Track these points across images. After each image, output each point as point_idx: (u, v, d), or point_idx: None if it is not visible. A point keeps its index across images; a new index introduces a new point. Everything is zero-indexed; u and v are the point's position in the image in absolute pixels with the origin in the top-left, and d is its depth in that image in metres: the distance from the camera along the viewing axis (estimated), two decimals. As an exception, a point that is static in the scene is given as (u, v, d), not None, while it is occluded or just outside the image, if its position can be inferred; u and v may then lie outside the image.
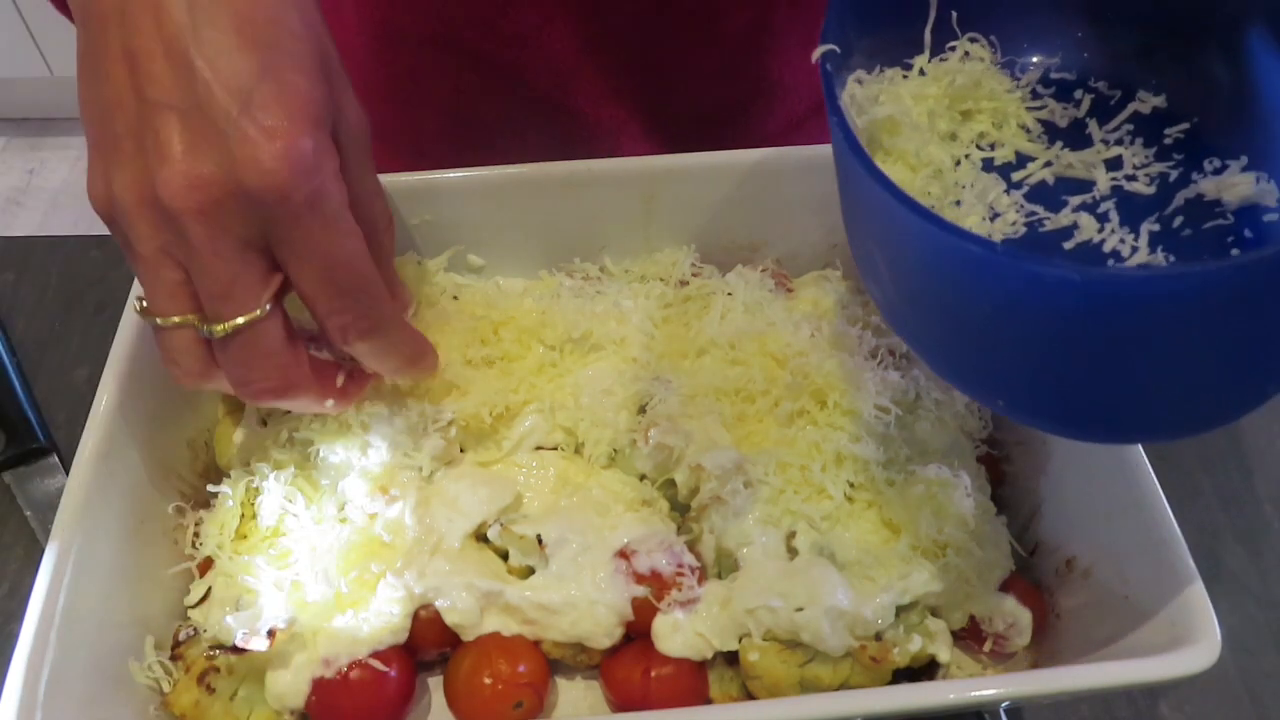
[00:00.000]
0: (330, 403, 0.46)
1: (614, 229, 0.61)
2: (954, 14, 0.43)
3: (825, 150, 0.60)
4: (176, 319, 0.40)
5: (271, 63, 0.37)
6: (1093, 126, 0.42)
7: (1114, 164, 0.41)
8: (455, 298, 0.58)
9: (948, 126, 0.43)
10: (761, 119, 0.70)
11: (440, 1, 0.63)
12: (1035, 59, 0.45)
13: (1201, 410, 0.37)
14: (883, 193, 0.35)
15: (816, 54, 0.41)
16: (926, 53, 0.44)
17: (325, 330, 0.41)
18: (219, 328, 0.39)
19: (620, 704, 0.48)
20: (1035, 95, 0.44)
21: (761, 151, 0.59)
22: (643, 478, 0.52)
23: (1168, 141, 0.42)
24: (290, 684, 0.46)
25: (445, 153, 0.60)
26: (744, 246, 0.62)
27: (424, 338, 0.49)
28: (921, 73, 0.44)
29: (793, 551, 0.49)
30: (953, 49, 0.44)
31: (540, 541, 0.49)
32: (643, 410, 0.53)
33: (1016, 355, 0.36)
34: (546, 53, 0.65)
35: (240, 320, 0.39)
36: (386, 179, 0.60)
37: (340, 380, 0.46)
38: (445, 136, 0.70)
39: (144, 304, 0.41)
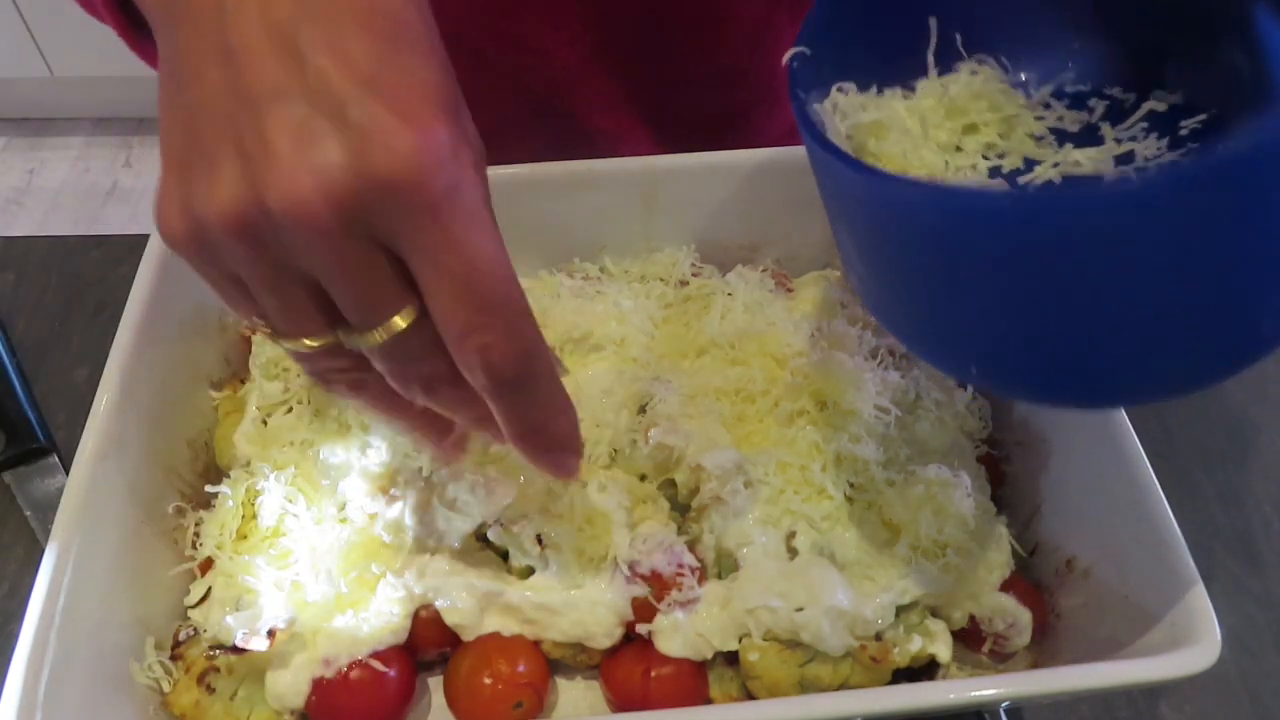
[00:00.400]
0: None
1: (614, 229, 0.61)
2: (958, 36, 0.43)
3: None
4: (319, 341, 0.35)
5: (394, 51, 0.32)
6: (1105, 128, 0.41)
7: (1125, 159, 0.40)
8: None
9: (948, 138, 0.43)
10: (762, 124, 0.70)
11: (443, 3, 0.63)
12: (1046, 74, 0.44)
13: (1186, 357, 0.33)
14: (823, 154, 0.35)
15: (787, 56, 0.40)
16: (932, 73, 0.43)
17: (460, 356, 0.34)
18: (378, 337, 0.34)
19: (620, 704, 0.48)
20: (1047, 107, 0.43)
21: (761, 151, 0.59)
22: (643, 478, 0.52)
23: (1184, 133, 0.40)
24: (290, 684, 0.46)
25: None
26: (744, 246, 0.62)
27: (575, 415, 0.39)
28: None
29: (793, 551, 0.49)
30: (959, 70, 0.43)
31: (540, 541, 0.49)
32: (643, 410, 0.53)
33: (974, 309, 0.35)
34: (550, 58, 0.65)
35: (400, 323, 0.33)
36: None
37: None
38: None
39: (266, 328, 0.35)
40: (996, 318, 0.34)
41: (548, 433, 0.38)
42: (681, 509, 0.52)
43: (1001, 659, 0.51)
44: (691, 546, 0.49)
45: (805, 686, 0.46)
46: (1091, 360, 0.34)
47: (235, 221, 0.31)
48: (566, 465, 0.40)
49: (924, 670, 0.49)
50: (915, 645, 0.47)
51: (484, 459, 0.50)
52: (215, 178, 0.31)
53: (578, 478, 0.44)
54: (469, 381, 0.35)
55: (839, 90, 0.42)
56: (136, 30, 0.52)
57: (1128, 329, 0.32)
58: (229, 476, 0.52)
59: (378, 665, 0.46)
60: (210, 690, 0.46)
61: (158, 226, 0.33)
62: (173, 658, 0.47)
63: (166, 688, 0.46)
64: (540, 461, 0.40)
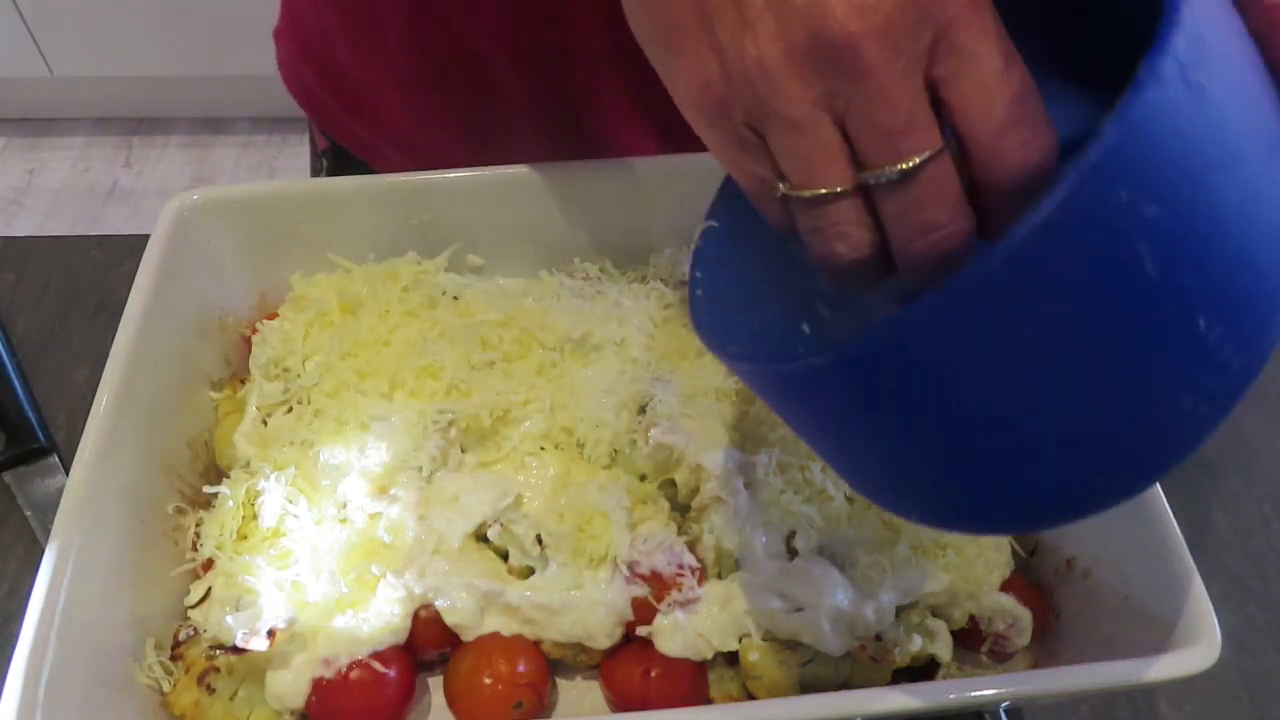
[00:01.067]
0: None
1: (614, 229, 0.61)
2: None
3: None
4: (842, 187, 0.34)
5: None
6: None
7: None
8: (455, 298, 0.58)
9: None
10: None
11: (459, 21, 0.63)
12: None
13: (1071, 465, 0.32)
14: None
15: (697, 233, 0.42)
16: None
17: (998, 155, 0.33)
18: (903, 165, 0.33)
19: (620, 704, 0.48)
20: None
21: (761, 151, 0.59)
22: (643, 478, 0.52)
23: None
24: (290, 684, 0.46)
25: (461, 161, 0.60)
26: (744, 246, 0.62)
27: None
28: None
29: (793, 551, 0.49)
30: None
31: (540, 542, 0.49)
32: (643, 410, 0.53)
33: (877, 454, 0.35)
34: (563, 67, 0.65)
35: (927, 153, 0.33)
36: (387, 179, 0.60)
37: None
38: (462, 145, 0.70)
39: (786, 186, 0.35)
40: (888, 461, 0.34)
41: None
42: (681, 509, 0.52)
43: (1001, 659, 0.51)
44: (691, 546, 0.49)
45: (805, 686, 0.46)
46: (1007, 483, 0.33)
47: (785, 57, 0.32)
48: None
49: (924, 670, 0.49)
50: (915, 645, 0.47)
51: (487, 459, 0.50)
52: (754, 21, 0.32)
53: None
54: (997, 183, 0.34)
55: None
56: None
57: (998, 450, 0.32)
58: (229, 476, 0.52)
59: (378, 665, 0.46)
60: (210, 690, 0.46)
61: (687, 102, 0.36)
62: (173, 658, 0.47)
63: (166, 688, 0.46)
64: None
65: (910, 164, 0.33)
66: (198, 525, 0.51)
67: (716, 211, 0.43)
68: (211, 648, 0.46)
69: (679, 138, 0.69)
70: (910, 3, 0.31)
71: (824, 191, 0.34)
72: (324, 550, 0.48)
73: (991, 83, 0.32)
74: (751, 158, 0.36)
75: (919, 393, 0.31)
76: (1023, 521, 0.39)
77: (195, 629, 0.47)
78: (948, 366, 0.30)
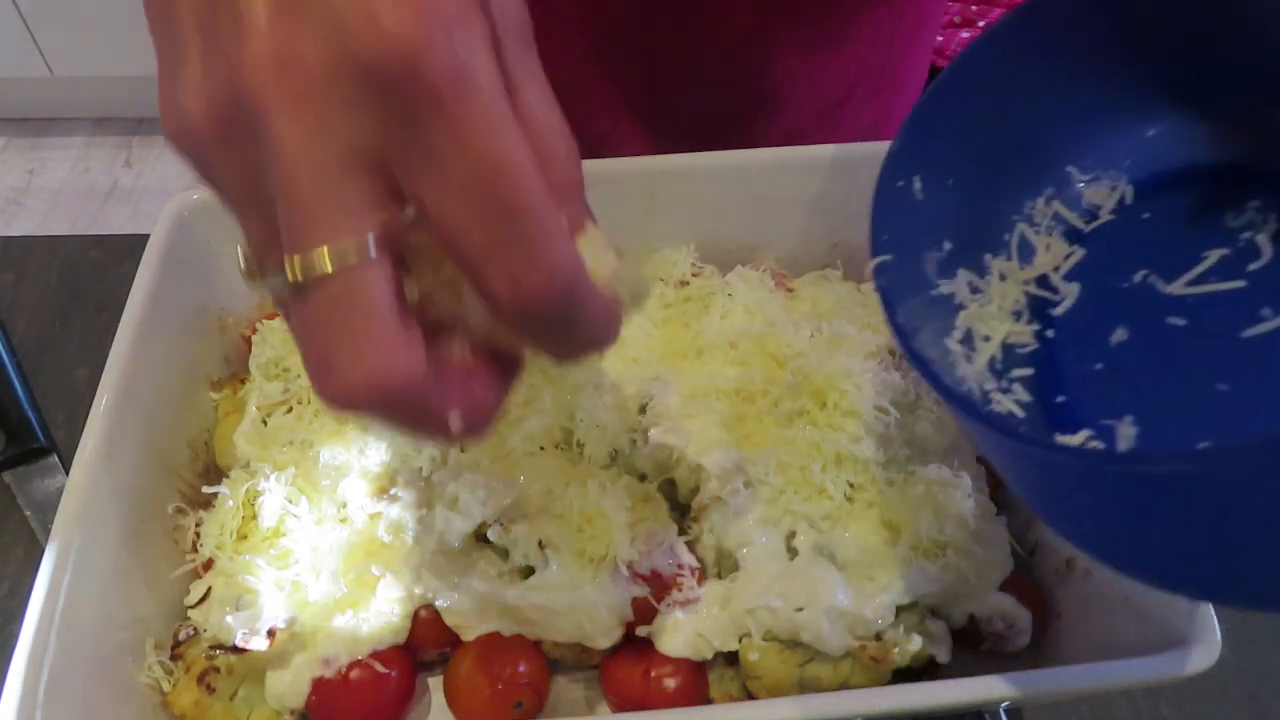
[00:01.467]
0: (456, 419, 0.29)
1: (614, 229, 0.61)
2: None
3: (825, 150, 0.60)
4: (258, 276, 0.28)
5: None
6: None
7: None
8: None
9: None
10: (760, 128, 0.70)
11: None
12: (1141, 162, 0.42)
13: None
14: (982, 426, 0.33)
15: (870, 267, 0.39)
16: (1011, 254, 0.42)
17: (479, 283, 0.27)
18: (294, 265, 0.26)
19: (620, 704, 0.48)
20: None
21: (761, 151, 0.59)
22: (643, 478, 0.52)
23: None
24: (290, 684, 0.46)
25: None
26: (744, 246, 0.62)
27: (615, 303, 0.32)
28: (1002, 277, 0.42)
29: (793, 551, 0.49)
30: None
31: (540, 542, 0.49)
32: (643, 410, 0.53)
33: (1175, 546, 0.33)
34: (546, 62, 0.65)
35: (320, 262, 0.25)
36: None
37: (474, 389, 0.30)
38: None
39: (245, 262, 0.29)
40: (1200, 550, 0.32)
41: (594, 347, 0.31)
42: (681, 509, 0.52)
43: (1001, 659, 0.51)
44: (691, 546, 0.49)
45: (805, 686, 0.46)
46: None
47: (209, 112, 0.26)
48: (611, 340, 0.32)
49: (924, 670, 0.49)
50: (915, 645, 0.47)
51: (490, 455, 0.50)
52: (193, 66, 0.27)
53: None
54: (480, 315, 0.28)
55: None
56: None
57: None
58: (229, 476, 0.52)
59: (378, 665, 0.46)
60: (210, 690, 0.46)
61: (164, 131, 0.28)
62: (173, 658, 0.47)
63: (166, 688, 0.46)
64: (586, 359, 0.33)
65: (302, 265, 0.26)
66: (198, 525, 0.51)
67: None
68: (211, 648, 0.46)
69: (667, 136, 0.70)
70: (349, 68, 0.24)
71: (255, 281, 0.28)
72: (324, 550, 0.48)
73: (466, 194, 0.25)
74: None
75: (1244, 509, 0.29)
76: None
77: (195, 629, 0.47)
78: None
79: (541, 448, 0.53)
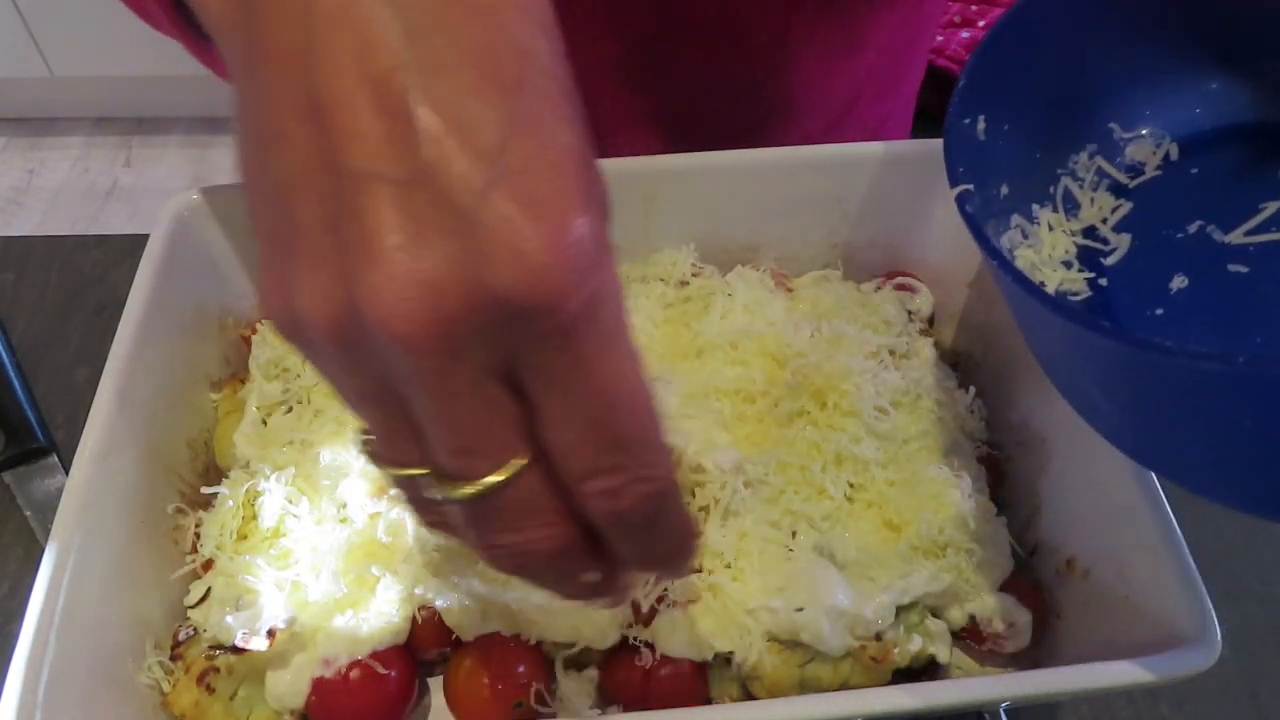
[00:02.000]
0: (603, 600, 0.33)
1: (614, 229, 0.61)
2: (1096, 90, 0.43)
3: (825, 150, 0.60)
4: (410, 471, 0.29)
5: (526, 109, 0.25)
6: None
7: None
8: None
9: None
10: (775, 138, 0.70)
11: None
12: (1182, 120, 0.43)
13: None
14: (1074, 326, 0.33)
15: (953, 195, 0.40)
16: (1057, 206, 0.43)
17: (580, 495, 0.28)
18: (466, 491, 0.28)
19: (620, 704, 0.48)
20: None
21: (761, 151, 0.59)
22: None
23: None
24: (290, 684, 0.46)
25: None
26: (744, 246, 0.62)
27: (693, 517, 0.34)
28: (1050, 228, 0.43)
29: (792, 552, 0.49)
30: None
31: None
32: (643, 410, 0.53)
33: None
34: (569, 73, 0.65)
35: (494, 480, 0.27)
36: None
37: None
38: None
39: (367, 444, 0.30)
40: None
41: (673, 560, 0.33)
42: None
43: (1001, 659, 0.51)
44: (691, 546, 0.49)
45: (805, 686, 0.46)
46: None
47: (329, 326, 0.25)
48: (683, 574, 0.36)
49: (924, 670, 0.49)
50: (915, 645, 0.47)
51: None
52: (312, 269, 0.25)
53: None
54: (586, 520, 0.29)
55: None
56: (202, 39, 0.47)
57: None
58: (229, 477, 0.52)
59: (378, 665, 0.46)
60: (210, 690, 0.46)
61: (265, 311, 0.27)
62: (173, 658, 0.47)
63: (166, 688, 0.46)
64: (664, 571, 0.36)
65: (475, 489, 0.27)
66: (198, 525, 0.51)
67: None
68: (211, 648, 0.46)
69: (676, 140, 0.70)
70: (487, 303, 0.24)
71: (389, 471, 0.29)
72: (324, 550, 0.48)
73: (587, 421, 0.27)
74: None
75: None
76: None
77: (195, 629, 0.47)
78: None
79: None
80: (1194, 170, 0.43)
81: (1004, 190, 0.43)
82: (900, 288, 0.60)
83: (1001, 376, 0.58)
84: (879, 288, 0.60)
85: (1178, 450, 0.36)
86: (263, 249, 0.27)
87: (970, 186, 0.41)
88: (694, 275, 0.60)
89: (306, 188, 0.25)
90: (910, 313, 0.59)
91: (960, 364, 0.61)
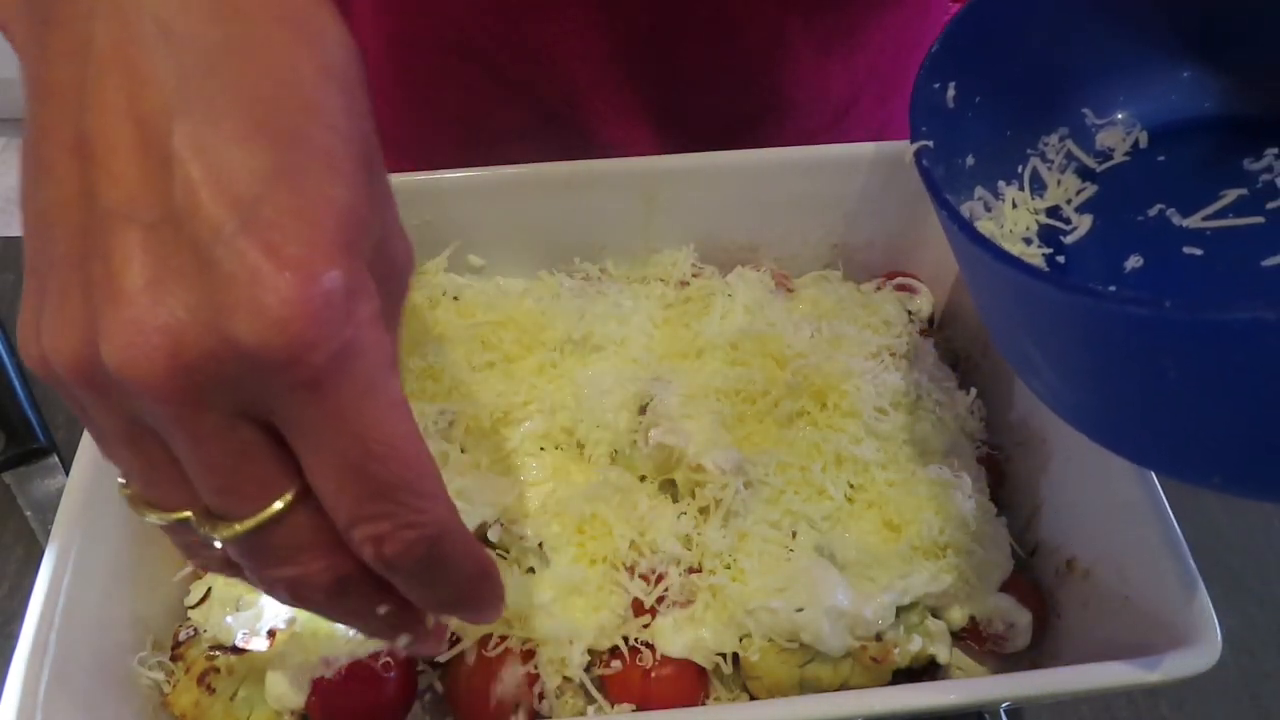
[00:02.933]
0: (404, 638, 0.33)
1: (614, 229, 0.61)
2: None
3: (825, 150, 0.60)
4: (172, 516, 0.28)
5: (293, 162, 0.25)
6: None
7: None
8: (455, 298, 0.58)
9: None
10: (772, 134, 0.70)
11: (456, 11, 0.63)
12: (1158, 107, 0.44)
13: None
14: (1012, 271, 0.33)
15: (910, 150, 0.41)
16: (1024, 185, 0.44)
17: (347, 540, 0.28)
18: (234, 529, 0.27)
19: (620, 704, 0.48)
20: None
21: (761, 152, 0.59)
22: (643, 478, 0.52)
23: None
24: (290, 684, 0.46)
25: (455, 161, 0.61)
26: (744, 246, 0.62)
27: (488, 556, 0.32)
28: (1014, 205, 0.44)
29: (793, 552, 0.49)
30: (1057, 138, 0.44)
31: (540, 542, 0.49)
32: (643, 410, 0.53)
33: (1207, 422, 0.32)
34: (561, 68, 0.65)
35: (259, 519, 0.27)
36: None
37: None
38: (456, 145, 0.70)
39: (125, 487, 0.30)
40: (1233, 426, 0.32)
41: (465, 605, 0.33)
42: (681, 509, 0.52)
43: (1001, 659, 0.51)
44: (691, 547, 0.49)
45: (805, 687, 0.46)
46: None
47: (74, 365, 0.25)
48: (486, 619, 0.34)
49: (924, 670, 0.49)
50: (915, 645, 0.47)
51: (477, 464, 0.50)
52: (60, 306, 0.25)
53: (502, 609, 0.35)
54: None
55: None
56: None
57: None
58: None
59: (378, 666, 0.46)
60: (210, 690, 0.46)
61: (20, 354, 0.27)
62: (173, 658, 0.47)
63: (167, 688, 0.46)
64: (459, 615, 0.35)
65: (240, 529, 0.27)
66: (198, 525, 0.51)
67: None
68: (211, 648, 0.46)
69: (681, 142, 0.70)
70: (224, 352, 0.24)
71: (147, 517, 0.29)
72: (324, 550, 0.48)
73: (343, 474, 0.26)
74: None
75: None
76: None
77: (195, 629, 0.47)
78: None
79: (541, 448, 0.53)
80: (1161, 158, 0.44)
81: (970, 161, 0.44)
82: (900, 288, 0.60)
83: (1001, 377, 0.58)
84: (879, 288, 0.61)
85: (1109, 408, 0.37)
86: (26, 283, 0.26)
87: (930, 144, 0.42)
88: (694, 275, 0.60)
89: (64, 223, 0.25)
90: (910, 313, 0.59)
91: (960, 364, 0.61)
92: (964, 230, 0.37)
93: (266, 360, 0.24)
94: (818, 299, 0.59)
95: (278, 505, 0.27)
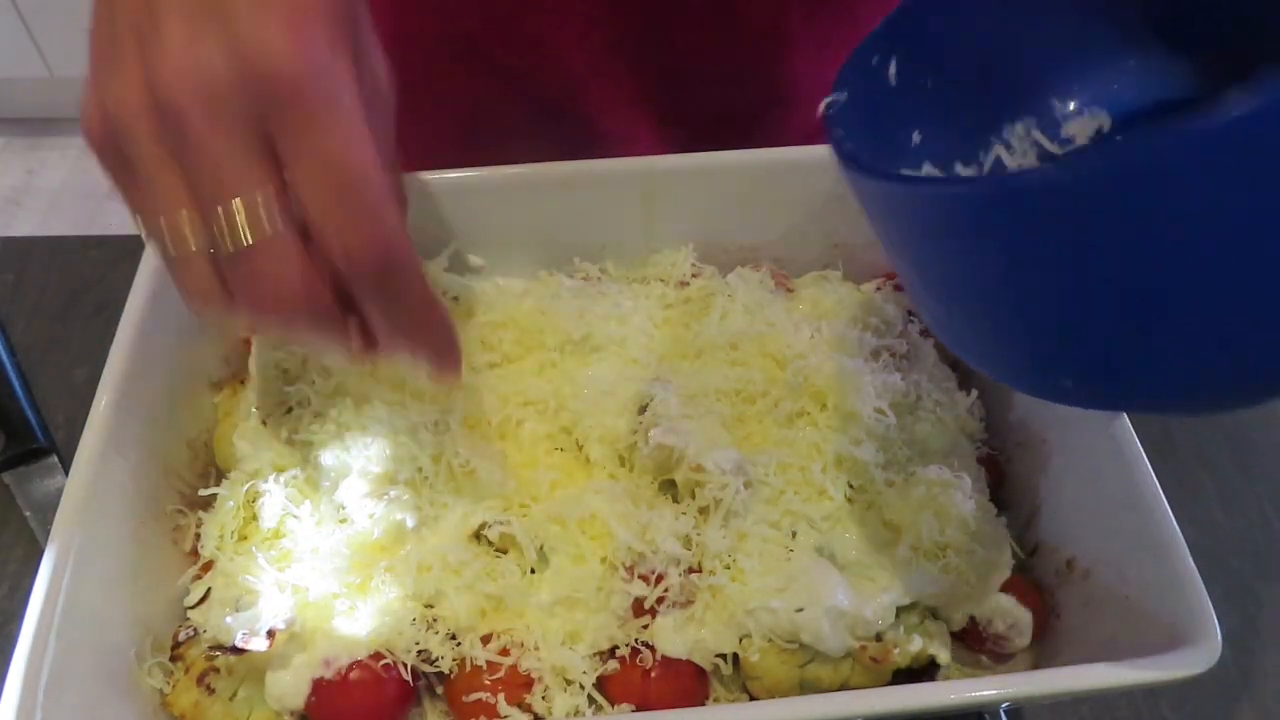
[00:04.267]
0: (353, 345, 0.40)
1: (614, 229, 0.61)
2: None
3: (825, 150, 0.60)
4: (190, 236, 0.36)
5: None
6: None
7: None
8: (455, 299, 0.58)
9: None
10: (774, 128, 0.70)
11: (455, 5, 0.63)
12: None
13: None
14: (856, 174, 0.35)
15: (824, 104, 0.42)
16: (983, 170, 0.44)
17: (321, 243, 0.36)
18: (222, 222, 0.35)
19: (620, 704, 0.48)
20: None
21: (762, 152, 0.59)
22: (643, 478, 0.52)
23: None
24: (290, 684, 0.46)
25: (456, 156, 0.61)
26: (744, 247, 0.62)
27: (449, 321, 0.42)
28: None
29: (793, 552, 0.49)
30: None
31: (540, 544, 0.49)
32: (643, 410, 0.53)
33: (1046, 308, 0.32)
34: (559, 59, 0.65)
35: (245, 208, 0.35)
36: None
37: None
38: (456, 140, 0.70)
39: (148, 231, 0.38)
40: (1074, 309, 0.31)
41: (418, 332, 0.40)
42: (681, 509, 0.52)
43: (1001, 659, 0.51)
44: (691, 547, 0.49)
45: (805, 687, 0.46)
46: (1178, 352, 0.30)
47: (135, 109, 0.34)
48: (443, 369, 0.42)
49: (924, 670, 0.49)
50: (915, 646, 0.47)
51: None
52: (122, 68, 0.35)
53: (459, 384, 0.45)
54: (341, 278, 0.36)
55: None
56: None
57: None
58: (229, 477, 0.52)
59: (378, 666, 0.46)
60: (210, 691, 0.46)
61: (82, 129, 0.36)
62: (173, 658, 0.47)
63: (166, 688, 0.46)
64: (419, 364, 0.42)
65: (232, 227, 0.35)
66: (198, 526, 0.51)
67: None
68: (211, 648, 0.46)
69: (679, 135, 0.70)
70: (245, 78, 0.34)
71: (167, 243, 0.36)
72: (324, 550, 0.48)
73: (315, 175, 0.35)
74: (143, 195, 0.37)
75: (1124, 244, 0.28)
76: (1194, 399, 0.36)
77: (195, 629, 0.47)
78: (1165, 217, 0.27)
79: (542, 448, 0.53)
80: (1120, 140, 0.43)
81: (916, 138, 0.44)
82: (900, 288, 0.60)
83: (1001, 377, 0.58)
84: (879, 288, 0.60)
85: (956, 311, 0.37)
86: (90, 74, 0.36)
87: (843, 96, 0.42)
88: (694, 276, 0.60)
89: (127, 17, 0.35)
90: (910, 313, 0.59)
91: (960, 364, 0.61)
92: (836, 147, 0.38)
93: (274, 82, 0.33)
94: (818, 299, 0.59)
95: (260, 197, 0.35)
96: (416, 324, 0.40)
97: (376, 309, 0.38)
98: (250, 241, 0.35)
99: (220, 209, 0.35)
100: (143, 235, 0.38)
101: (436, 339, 0.41)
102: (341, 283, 0.37)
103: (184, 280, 0.38)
